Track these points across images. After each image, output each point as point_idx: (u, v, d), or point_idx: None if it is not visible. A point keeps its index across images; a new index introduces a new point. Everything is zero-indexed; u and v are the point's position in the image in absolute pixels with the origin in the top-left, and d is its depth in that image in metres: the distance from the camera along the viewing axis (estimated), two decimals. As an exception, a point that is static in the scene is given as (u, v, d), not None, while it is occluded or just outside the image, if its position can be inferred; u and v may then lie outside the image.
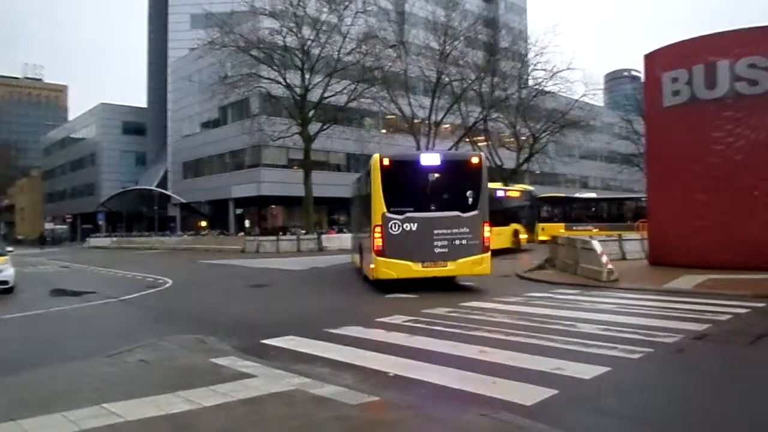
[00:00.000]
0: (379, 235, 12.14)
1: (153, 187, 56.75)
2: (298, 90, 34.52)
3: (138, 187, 60.08)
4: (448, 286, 12.87)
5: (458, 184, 12.51)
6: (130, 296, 12.99)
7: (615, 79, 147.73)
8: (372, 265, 12.46)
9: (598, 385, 5.15)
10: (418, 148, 38.22)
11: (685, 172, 14.77)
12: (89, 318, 10.56)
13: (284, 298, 13.00)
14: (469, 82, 39.25)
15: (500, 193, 24.58)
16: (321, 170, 41.78)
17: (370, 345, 6.98)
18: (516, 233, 23.68)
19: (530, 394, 4.80)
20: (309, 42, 33.67)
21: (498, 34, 46.09)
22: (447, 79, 38.74)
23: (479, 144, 41.75)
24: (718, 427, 4.31)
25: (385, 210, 12.09)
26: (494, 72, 40.65)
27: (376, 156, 12.60)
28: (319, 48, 33.95)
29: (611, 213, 31.85)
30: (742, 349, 6.64)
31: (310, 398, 4.71)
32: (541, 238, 26.73)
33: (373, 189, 12.33)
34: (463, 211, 12.24)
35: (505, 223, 23.71)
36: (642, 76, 18.86)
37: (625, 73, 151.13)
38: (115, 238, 51.51)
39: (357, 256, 16.15)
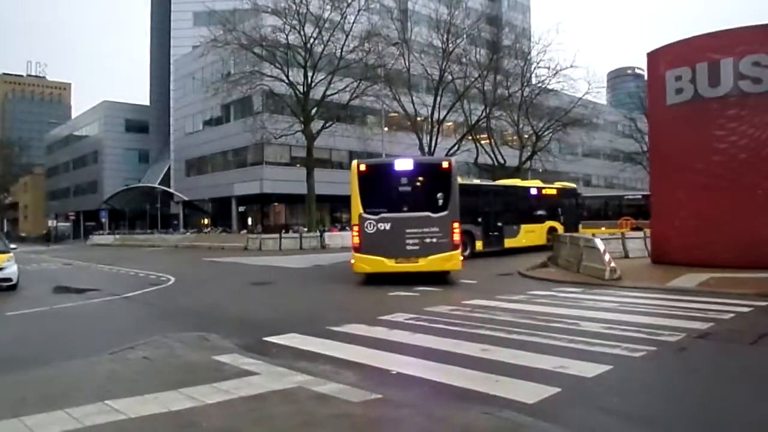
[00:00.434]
0: (356, 233, 13.44)
1: (156, 185, 56.82)
2: (300, 88, 34.51)
3: (141, 184, 60.19)
4: (449, 284, 12.98)
5: (429, 187, 13.56)
6: (133, 293, 13.01)
7: (618, 77, 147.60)
8: (352, 260, 13.75)
9: (601, 383, 5.15)
10: (421, 146, 38.23)
11: (688, 170, 14.73)
12: (92, 315, 10.58)
13: (286, 295, 13.02)
14: (472, 79, 39.21)
15: (533, 191, 24.62)
16: (323, 168, 41.77)
17: (373, 343, 6.98)
18: (552, 230, 23.58)
19: (532, 393, 4.80)
20: (312, 40, 33.65)
21: (501, 32, 46.00)
22: (450, 77, 38.70)
23: (482, 142, 41.71)
24: (721, 426, 4.30)
25: (361, 211, 13.33)
26: (497, 70, 40.61)
27: (355, 162, 14.04)
28: (322, 46, 33.94)
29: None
30: (745, 347, 6.62)
31: (312, 396, 4.72)
32: None
33: (351, 192, 13.62)
34: (434, 212, 13.18)
35: (539, 221, 23.75)
36: (645, 74, 18.81)
37: (629, 71, 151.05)
38: (118, 236, 51.61)
39: None
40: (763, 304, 9.25)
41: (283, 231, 37.07)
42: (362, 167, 13.75)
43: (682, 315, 8.33)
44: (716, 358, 6.27)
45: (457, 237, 13.17)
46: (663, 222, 15.81)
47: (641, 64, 22.07)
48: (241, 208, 48.63)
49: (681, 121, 14.99)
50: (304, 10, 33.05)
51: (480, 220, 21.31)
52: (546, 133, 42.68)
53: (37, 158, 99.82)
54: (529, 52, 42.89)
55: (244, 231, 43.46)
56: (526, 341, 6.79)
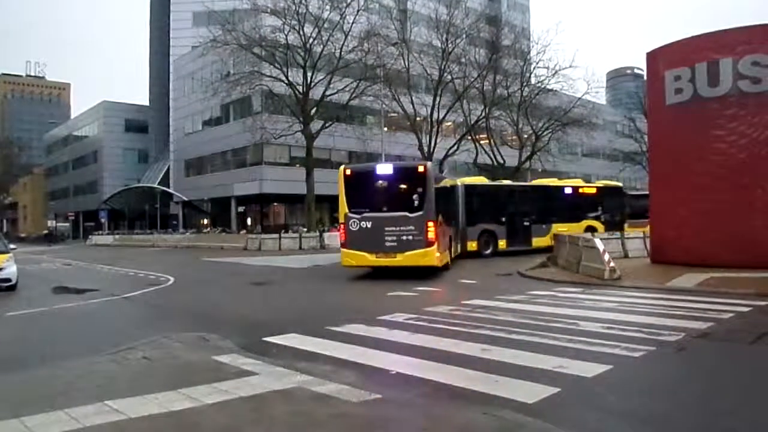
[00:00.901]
0: (343, 230, 15.08)
1: (155, 185, 56.83)
2: (300, 88, 34.50)
3: (140, 184, 60.17)
4: (449, 283, 13.02)
5: (407, 189, 14.77)
6: (133, 294, 13.00)
7: (617, 77, 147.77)
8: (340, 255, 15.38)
9: (601, 383, 5.15)
10: (420, 146, 38.24)
11: (687, 170, 14.73)
12: (92, 315, 10.58)
13: (286, 295, 13.02)
14: (472, 79, 39.20)
15: (567, 191, 24.61)
16: (323, 168, 41.75)
17: (372, 343, 6.98)
18: (590, 229, 23.58)
19: (532, 392, 4.80)
20: (311, 40, 33.64)
21: (500, 32, 45.96)
22: (449, 77, 38.68)
23: (481, 142, 41.71)
24: (720, 426, 4.30)
25: (347, 210, 14.83)
26: (496, 70, 40.60)
27: (341, 167, 15.82)
28: (322, 46, 33.92)
29: None
30: (745, 347, 6.63)
31: (311, 396, 4.72)
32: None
33: (339, 193, 15.12)
34: (411, 212, 14.40)
35: (575, 220, 23.63)
36: (644, 74, 18.82)
37: (628, 71, 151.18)
38: (117, 236, 51.57)
39: None
40: (763, 303, 9.26)
41: (283, 231, 37.06)
42: (348, 172, 15.42)
43: (681, 315, 8.34)
44: (716, 357, 6.28)
45: (431, 235, 14.20)
46: (662, 222, 15.82)
47: (641, 64, 22.07)
48: (241, 209, 48.63)
49: (680, 121, 15.00)
50: (304, 10, 33.04)
51: (504, 219, 21.98)
52: (545, 133, 42.66)
53: (37, 158, 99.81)
54: (529, 52, 42.89)
55: (244, 231, 43.45)
56: (525, 341, 6.79)
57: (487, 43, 42.84)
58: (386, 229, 14.47)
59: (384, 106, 37.33)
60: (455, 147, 39.82)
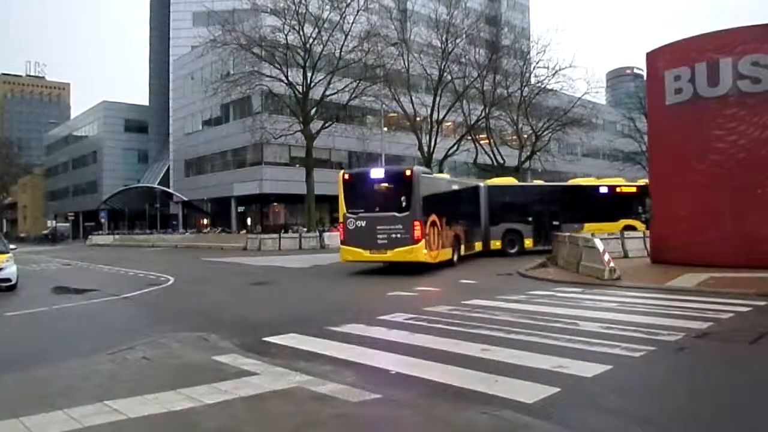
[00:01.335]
0: (342, 229, 16.61)
1: (155, 185, 56.83)
2: (300, 88, 34.52)
3: (140, 184, 60.18)
4: (449, 284, 13.02)
5: (396, 192, 16.14)
6: (133, 294, 13.00)
7: (617, 77, 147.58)
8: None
9: (600, 383, 5.15)
10: (420, 146, 38.27)
11: (687, 170, 14.74)
12: (91, 315, 10.58)
13: (286, 295, 13.02)
14: (471, 79, 39.21)
15: (602, 190, 24.58)
16: (323, 168, 41.76)
17: (372, 343, 6.98)
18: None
19: (532, 392, 4.80)
20: (311, 40, 33.65)
21: (500, 32, 46.06)
22: (449, 77, 38.71)
23: (481, 142, 41.72)
24: (720, 426, 4.31)
25: (345, 211, 16.36)
26: (496, 70, 40.61)
27: (341, 172, 17.40)
28: (321, 46, 33.93)
29: None
30: (744, 347, 6.63)
31: (311, 396, 4.72)
32: None
33: (339, 195, 16.65)
34: (399, 212, 15.74)
35: (610, 219, 23.39)
36: (644, 74, 18.82)
37: (628, 71, 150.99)
38: (117, 236, 51.58)
39: None
40: (763, 303, 9.26)
41: (283, 231, 37.09)
42: (346, 176, 16.94)
43: (681, 315, 8.34)
44: (715, 357, 6.28)
45: (417, 233, 15.50)
46: (662, 222, 15.82)
47: (640, 64, 22.04)
48: (241, 208, 48.61)
49: (680, 120, 15.00)
50: (304, 11, 33.05)
51: (530, 219, 22.41)
52: (545, 132, 42.66)
53: (37, 158, 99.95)
54: (529, 52, 42.90)
55: (244, 231, 43.45)
56: (525, 341, 6.79)
57: (486, 43, 42.87)
58: (378, 227, 15.86)
59: (384, 106, 37.33)
60: (455, 147, 39.83)
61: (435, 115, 38.26)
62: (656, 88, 15.84)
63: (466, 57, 39.60)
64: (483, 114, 40.51)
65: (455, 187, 20.49)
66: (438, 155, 39.49)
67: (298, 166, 40.27)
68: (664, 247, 15.54)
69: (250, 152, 44.90)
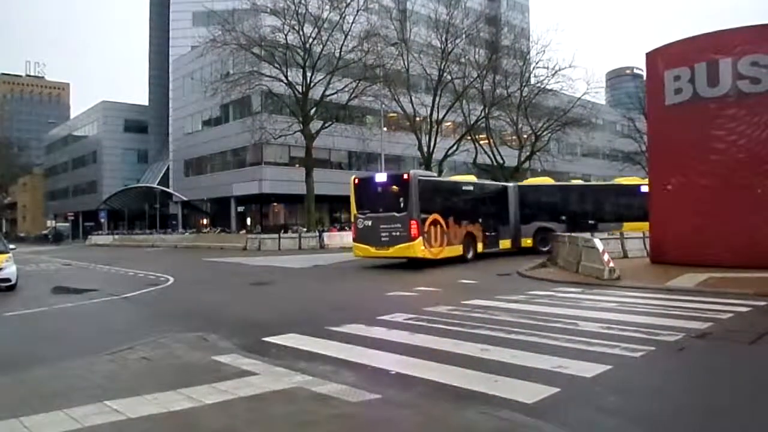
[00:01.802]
0: (354, 228, 18.59)
1: (155, 185, 56.78)
2: (299, 88, 34.51)
3: (140, 184, 60.14)
4: (449, 284, 13.04)
5: (396, 194, 17.79)
6: (132, 294, 13.00)
7: (617, 77, 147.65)
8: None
9: (600, 383, 5.15)
10: (420, 146, 38.28)
11: (687, 170, 14.74)
12: (91, 315, 10.58)
13: (285, 295, 13.01)
14: (471, 79, 39.22)
15: (643, 189, 24.60)
16: (323, 168, 41.75)
17: (372, 343, 6.98)
18: None
19: (532, 392, 4.80)
20: (311, 40, 33.65)
21: (500, 32, 46.01)
22: (449, 77, 38.71)
23: (481, 142, 41.72)
24: (720, 426, 4.31)
25: (356, 212, 18.32)
26: (496, 70, 40.62)
27: (352, 177, 19.29)
28: (321, 46, 33.92)
29: None
30: (744, 347, 6.63)
31: (311, 396, 4.72)
32: None
33: (351, 198, 18.62)
34: (398, 212, 17.41)
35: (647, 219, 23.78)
36: (644, 74, 18.82)
37: (627, 71, 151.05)
38: (117, 236, 51.57)
39: None
40: (762, 303, 9.26)
41: (282, 231, 37.07)
42: (356, 180, 18.89)
43: (681, 315, 8.34)
44: (715, 358, 6.28)
45: (414, 231, 17.05)
46: (662, 222, 15.82)
47: (640, 64, 22.07)
48: (240, 208, 48.59)
49: (680, 121, 14.99)
50: (303, 10, 33.04)
51: (563, 218, 22.78)
52: (545, 133, 42.68)
53: (36, 158, 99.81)
54: (528, 52, 42.91)
55: (243, 231, 43.43)
56: (525, 341, 6.79)
57: (486, 43, 42.85)
58: (381, 226, 17.56)
59: (383, 106, 37.33)
60: (455, 147, 39.83)
61: (435, 115, 38.27)
62: (656, 88, 15.83)
63: (466, 57, 39.61)
64: (483, 114, 40.52)
65: (469, 188, 21.45)
66: (438, 155, 39.49)
67: (297, 166, 40.26)
68: (663, 247, 15.54)
69: (250, 152, 44.86)
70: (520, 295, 10.82)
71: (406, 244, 17.07)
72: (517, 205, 22.57)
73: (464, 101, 39.79)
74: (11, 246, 15.92)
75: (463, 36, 39.74)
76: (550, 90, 40.95)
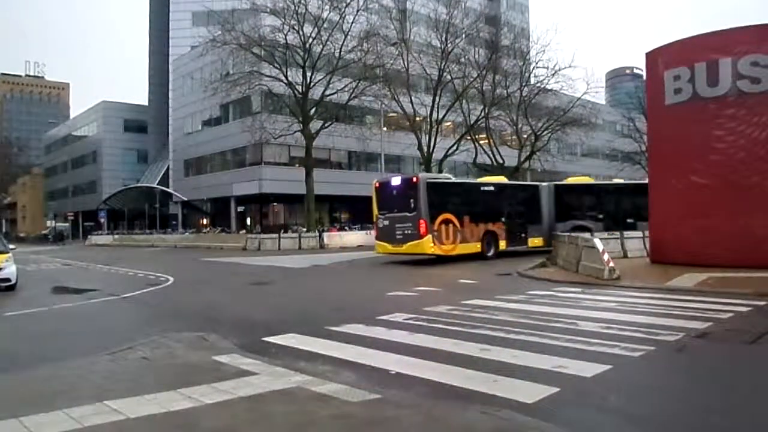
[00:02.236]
0: (375, 228, 20.59)
1: (154, 185, 56.81)
2: (299, 88, 34.51)
3: (140, 184, 60.16)
4: (449, 283, 13.04)
5: (406, 195, 19.10)
6: (132, 294, 12.99)
7: (617, 77, 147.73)
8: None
9: (600, 383, 5.15)
10: (420, 146, 38.28)
11: (686, 170, 14.73)
12: (91, 315, 10.58)
13: (285, 295, 13.01)
14: (471, 79, 39.20)
15: None
16: (322, 168, 41.77)
17: (372, 343, 6.98)
18: None
19: (532, 392, 4.80)
20: (310, 40, 33.65)
21: (500, 32, 46.01)
22: (448, 77, 38.70)
23: (481, 142, 41.71)
24: (719, 426, 4.30)
25: (377, 212, 20.10)
26: (496, 70, 40.59)
27: (374, 181, 21.19)
28: (321, 46, 33.93)
29: None
30: (744, 347, 6.63)
31: (311, 396, 4.71)
32: None
33: (372, 200, 20.34)
34: (409, 212, 18.80)
35: None
36: (644, 74, 18.82)
37: (627, 71, 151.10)
38: (116, 236, 51.57)
39: None
40: (762, 303, 9.25)
41: (282, 231, 37.07)
42: (377, 184, 20.68)
43: (680, 315, 8.34)
44: (715, 357, 6.28)
45: (422, 230, 18.39)
46: (661, 222, 15.82)
47: (640, 64, 22.08)
48: (240, 208, 48.60)
49: (679, 120, 14.99)
50: (303, 10, 33.04)
51: (601, 216, 23.01)
52: (545, 132, 42.64)
53: (36, 158, 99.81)
54: (528, 52, 42.88)
55: (243, 231, 43.45)
56: (525, 341, 6.79)
57: (486, 43, 42.84)
58: (396, 225, 19.16)
59: (383, 105, 37.34)
60: (455, 147, 39.83)
61: (434, 115, 38.25)
62: (656, 88, 15.83)
63: (466, 57, 39.60)
64: (482, 114, 40.50)
65: (489, 188, 22.18)
66: (438, 155, 39.49)
67: (297, 166, 40.27)
68: (663, 247, 15.54)
69: (250, 152, 44.87)
70: (520, 295, 10.82)
71: (416, 241, 18.45)
72: (552, 204, 22.82)
73: (464, 101, 39.78)
74: (11, 246, 15.92)
75: (463, 36, 39.73)
76: (550, 90, 40.92)
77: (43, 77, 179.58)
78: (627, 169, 53.37)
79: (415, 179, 19.21)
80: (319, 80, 34.73)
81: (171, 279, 16.14)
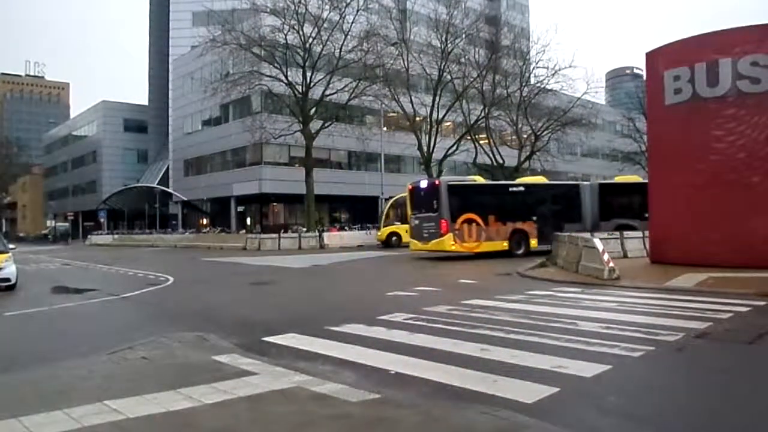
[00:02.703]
0: (409, 227, 22.96)
1: (154, 185, 56.80)
2: (299, 88, 34.52)
3: (139, 184, 60.14)
4: (449, 283, 13.04)
5: (431, 198, 20.82)
6: (132, 293, 12.99)
7: (617, 77, 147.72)
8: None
9: (600, 383, 5.15)
10: (420, 146, 38.30)
11: (686, 170, 14.72)
12: (91, 315, 10.57)
13: (285, 295, 13.02)
14: (471, 79, 39.23)
15: None
16: (322, 168, 41.78)
17: (371, 343, 6.98)
18: None
19: (531, 392, 4.80)
20: (311, 39, 33.66)
21: (500, 32, 46.03)
22: (449, 77, 38.73)
23: (481, 142, 41.72)
24: (719, 426, 4.31)
25: (410, 214, 22.28)
26: (496, 70, 40.63)
27: (408, 184, 23.25)
28: (321, 46, 33.94)
29: None
30: (743, 347, 6.63)
31: (311, 396, 4.71)
32: None
33: (407, 202, 23.12)
34: (432, 213, 20.57)
35: None
36: (644, 74, 18.82)
37: (627, 71, 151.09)
38: (116, 236, 51.57)
39: None
40: (762, 303, 9.25)
41: (282, 231, 37.07)
42: (410, 186, 22.65)
43: (680, 315, 8.34)
44: (715, 357, 6.28)
45: (444, 229, 19.97)
46: (661, 222, 15.82)
47: (640, 64, 22.07)
48: (240, 208, 48.60)
49: (679, 121, 14.98)
50: (303, 10, 33.05)
51: (647, 215, 22.69)
52: (545, 132, 42.66)
53: (36, 158, 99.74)
54: (528, 52, 42.95)
55: (243, 231, 43.46)
56: (524, 341, 6.79)
57: (486, 43, 42.87)
58: (423, 225, 20.96)
59: (383, 105, 37.36)
60: (455, 147, 39.84)
61: (434, 115, 38.27)
62: (656, 88, 15.82)
63: (466, 57, 39.63)
64: (482, 114, 40.52)
65: (518, 189, 22.92)
66: (438, 155, 39.51)
67: (297, 165, 40.29)
68: (663, 247, 15.54)
69: (250, 152, 44.88)
70: (519, 295, 10.82)
71: (438, 240, 20.14)
72: (595, 203, 23.13)
73: (464, 101, 39.80)
74: (11, 246, 15.91)
75: (463, 36, 39.75)
76: (550, 90, 40.95)
77: (43, 77, 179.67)
78: (627, 169, 53.36)
79: (436, 182, 21.47)
80: (319, 80, 34.74)
81: (171, 279, 16.14)
